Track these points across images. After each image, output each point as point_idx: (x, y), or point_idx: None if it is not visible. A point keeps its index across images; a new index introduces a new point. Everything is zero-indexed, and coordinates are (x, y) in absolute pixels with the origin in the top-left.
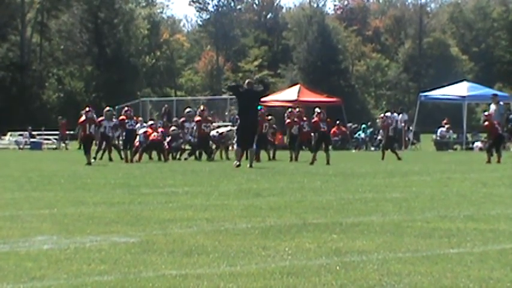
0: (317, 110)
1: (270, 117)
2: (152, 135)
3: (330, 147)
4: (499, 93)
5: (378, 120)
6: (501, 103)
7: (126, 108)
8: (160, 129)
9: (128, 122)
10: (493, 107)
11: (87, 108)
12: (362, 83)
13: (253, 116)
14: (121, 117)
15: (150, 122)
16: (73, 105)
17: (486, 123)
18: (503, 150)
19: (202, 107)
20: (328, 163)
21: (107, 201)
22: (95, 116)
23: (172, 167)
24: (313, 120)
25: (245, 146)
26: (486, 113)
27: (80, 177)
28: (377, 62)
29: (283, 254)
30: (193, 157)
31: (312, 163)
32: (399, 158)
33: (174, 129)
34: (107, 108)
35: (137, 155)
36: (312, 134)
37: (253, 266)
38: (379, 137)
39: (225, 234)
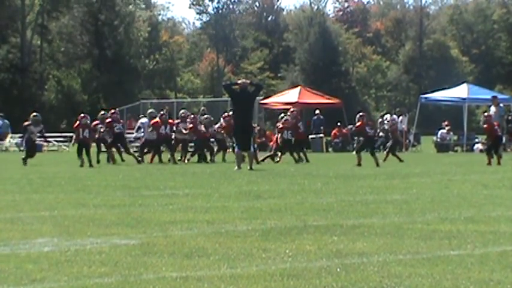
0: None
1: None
2: (161, 129)
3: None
4: (499, 95)
5: (386, 122)
6: (501, 105)
7: (112, 111)
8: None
9: (116, 126)
10: (493, 109)
11: (82, 114)
12: (362, 85)
13: (248, 118)
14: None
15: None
16: (73, 107)
17: (486, 125)
18: (503, 152)
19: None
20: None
21: (108, 203)
22: (88, 121)
23: (173, 169)
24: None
25: (244, 147)
26: (486, 114)
27: (80, 179)
28: (377, 63)
29: (284, 256)
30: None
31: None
32: (401, 160)
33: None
34: (102, 112)
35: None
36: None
37: (254, 268)
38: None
39: (225, 236)
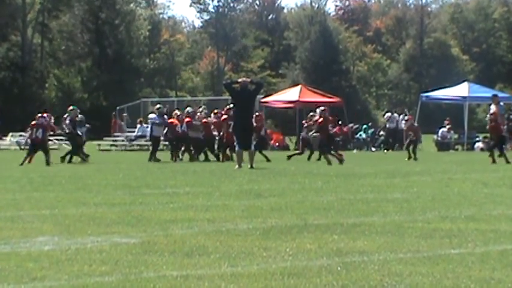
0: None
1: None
2: (177, 127)
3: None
4: (500, 93)
5: (403, 122)
6: (501, 103)
7: (44, 114)
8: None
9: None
10: (493, 107)
11: (39, 114)
12: (363, 83)
13: (249, 116)
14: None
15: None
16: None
17: (492, 123)
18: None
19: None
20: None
21: (108, 202)
22: (44, 122)
23: (174, 167)
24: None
25: (245, 146)
26: (492, 112)
27: (81, 178)
28: (378, 61)
29: (284, 254)
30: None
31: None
32: (416, 158)
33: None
34: (79, 116)
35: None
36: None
37: (255, 266)
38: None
39: (226, 234)
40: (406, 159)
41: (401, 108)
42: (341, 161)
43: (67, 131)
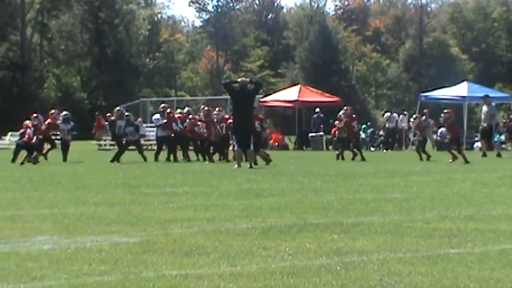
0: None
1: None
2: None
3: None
4: (499, 93)
5: (411, 120)
6: (492, 104)
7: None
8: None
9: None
10: (484, 108)
11: (35, 115)
12: (362, 83)
13: (248, 116)
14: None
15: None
16: (73, 105)
17: (449, 121)
18: (502, 151)
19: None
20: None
21: (108, 201)
22: (29, 123)
23: (173, 167)
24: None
25: (244, 146)
26: (446, 111)
27: (80, 177)
28: (377, 61)
29: (284, 254)
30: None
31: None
32: (428, 158)
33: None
34: (64, 112)
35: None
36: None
37: (254, 266)
38: (413, 138)
39: (225, 234)
40: (427, 158)
41: (399, 109)
42: (268, 161)
43: (116, 132)
